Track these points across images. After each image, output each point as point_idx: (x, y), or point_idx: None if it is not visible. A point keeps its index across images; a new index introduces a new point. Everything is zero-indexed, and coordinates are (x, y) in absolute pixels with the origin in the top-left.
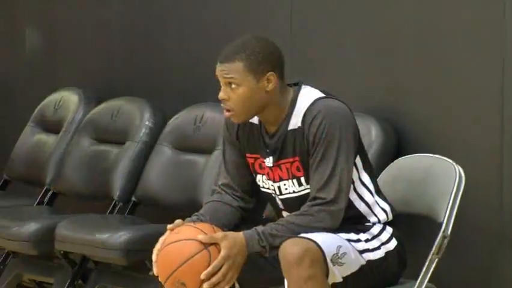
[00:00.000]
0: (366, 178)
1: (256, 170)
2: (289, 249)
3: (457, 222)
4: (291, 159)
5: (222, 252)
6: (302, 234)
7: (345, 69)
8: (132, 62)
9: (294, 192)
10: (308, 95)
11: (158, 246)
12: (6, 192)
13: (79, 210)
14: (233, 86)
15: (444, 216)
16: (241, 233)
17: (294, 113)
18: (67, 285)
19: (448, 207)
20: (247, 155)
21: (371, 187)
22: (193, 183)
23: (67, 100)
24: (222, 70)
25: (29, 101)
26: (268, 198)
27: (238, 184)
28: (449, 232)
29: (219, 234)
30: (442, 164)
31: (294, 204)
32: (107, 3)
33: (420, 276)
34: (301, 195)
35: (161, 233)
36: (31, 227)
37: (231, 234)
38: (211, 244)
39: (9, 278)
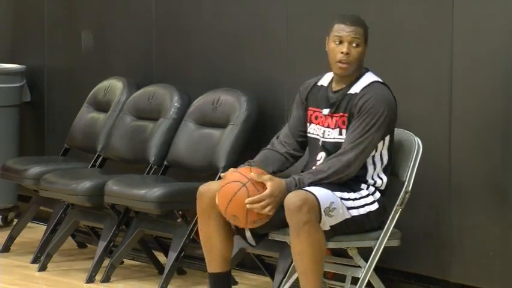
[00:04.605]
0: (385, 154)
1: (312, 120)
2: (292, 199)
3: (416, 180)
4: (341, 114)
5: (268, 190)
6: (305, 188)
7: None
8: (164, 57)
9: (333, 138)
10: (371, 77)
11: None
12: (66, 158)
13: (123, 171)
14: (354, 44)
15: (406, 176)
16: (283, 180)
17: (357, 83)
18: (113, 229)
19: (409, 169)
20: (310, 108)
21: (384, 162)
22: (211, 151)
23: (114, 86)
24: (351, 31)
25: (85, 87)
26: (312, 142)
27: (293, 134)
28: (409, 188)
29: (267, 176)
30: (404, 135)
31: (330, 148)
32: (147, 12)
33: (387, 223)
34: (337, 143)
35: (187, 189)
36: (86, 184)
37: (276, 178)
38: (247, 182)
39: (69, 224)
